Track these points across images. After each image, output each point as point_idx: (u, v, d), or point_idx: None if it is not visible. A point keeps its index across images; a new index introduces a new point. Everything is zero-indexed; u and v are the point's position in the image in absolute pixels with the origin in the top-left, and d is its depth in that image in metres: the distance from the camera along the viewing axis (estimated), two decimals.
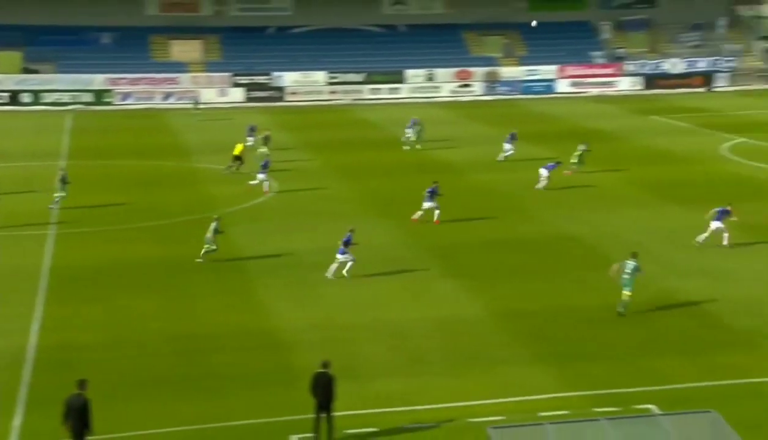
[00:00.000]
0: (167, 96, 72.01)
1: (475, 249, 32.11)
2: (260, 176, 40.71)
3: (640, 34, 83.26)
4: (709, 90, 77.76)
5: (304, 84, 74.69)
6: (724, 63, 79.59)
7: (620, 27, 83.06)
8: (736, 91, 76.70)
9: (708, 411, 17.50)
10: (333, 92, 74.58)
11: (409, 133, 52.40)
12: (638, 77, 78.53)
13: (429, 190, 35.47)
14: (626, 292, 25.24)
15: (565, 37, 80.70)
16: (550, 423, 17.28)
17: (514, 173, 44.57)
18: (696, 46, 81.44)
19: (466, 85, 76.76)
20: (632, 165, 45.79)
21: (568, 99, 74.35)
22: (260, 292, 27.90)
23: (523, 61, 79.01)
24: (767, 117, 62.09)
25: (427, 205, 35.12)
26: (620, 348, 23.43)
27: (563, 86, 77.54)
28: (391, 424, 19.70)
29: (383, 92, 75.04)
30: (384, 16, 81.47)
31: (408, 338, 24.31)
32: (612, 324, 25.08)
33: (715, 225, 31.68)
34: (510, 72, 77.80)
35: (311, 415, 18.92)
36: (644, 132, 55.98)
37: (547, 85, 77.43)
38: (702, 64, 79.46)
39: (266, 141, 48.69)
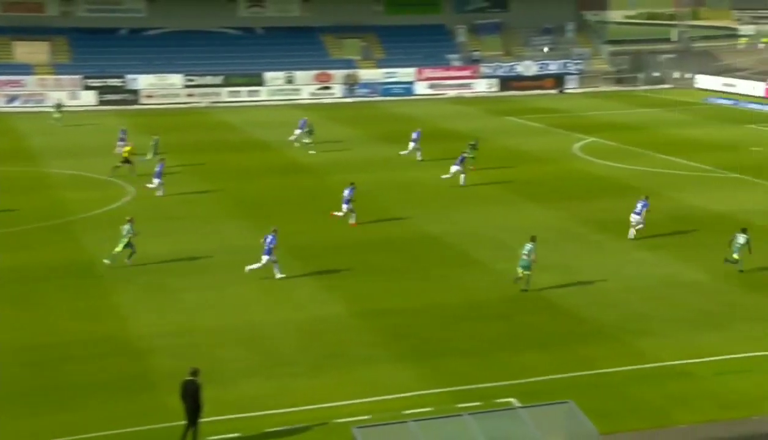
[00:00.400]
0: (12, 99, 68.94)
1: (337, 250, 32.03)
2: (156, 180, 40.14)
3: (494, 37, 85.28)
4: (560, 92, 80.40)
5: (159, 87, 72.92)
6: (574, 66, 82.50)
7: (475, 30, 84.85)
8: (585, 92, 79.59)
9: (565, 402, 17.96)
10: (190, 95, 73.14)
11: (300, 134, 52.14)
12: (493, 79, 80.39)
13: (348, 190, 35.29)
14: (521, 271, 27.16)
15: (422, 40, 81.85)
16: (414, 421, 17.33)
17: (374, 173, 44.79)
18: (547, 50, 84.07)
19: (326, 88, 76.72)
20: (490, 164, 46.76)
21: (426, 100, 75.36)
22: (116, 299, 26.97)
23: (381, 64, 79.61)
24: (614, 118, 64.73)
25: (345, 207, 35.12)
26: (481, 343, 23.80)
27: (422, 88, 78.57)
28: (255, 429, 19.34)
29: (242, 95, 74.14)
30: (240, 19, 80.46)
31: (269, 340, 23.98)
32: (473, 320, 25.46)
33: (635, 217, 32.59)
34: (369, 74, 78.25)
35: (173, 423, 18.36)
36: (501, 132, 57.33)
37: (406, 87, 78.28)
38: (553, 67, 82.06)
39: (155, 146, 47.58)
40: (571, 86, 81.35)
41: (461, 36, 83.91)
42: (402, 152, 48.37)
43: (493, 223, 35.51)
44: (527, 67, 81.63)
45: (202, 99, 72.96)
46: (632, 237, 32.74)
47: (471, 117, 65.48)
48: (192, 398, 18.28)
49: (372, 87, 77.60)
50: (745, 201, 38.49)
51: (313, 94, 75.99)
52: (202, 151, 51.28)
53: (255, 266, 28.44)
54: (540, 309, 26.27)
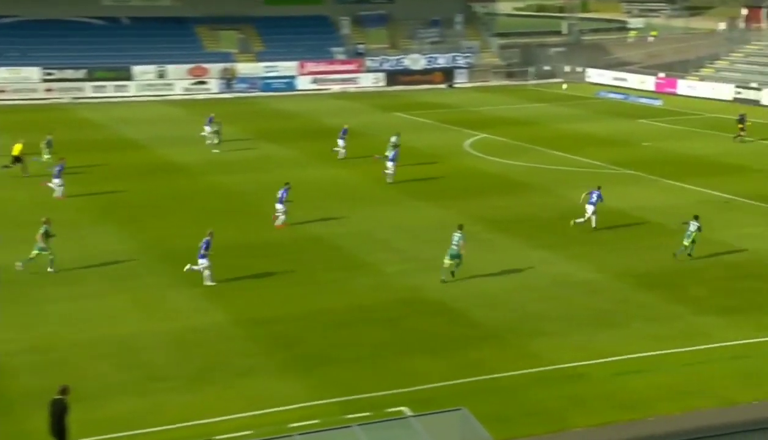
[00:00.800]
0: None
1: (217, 255, 31.55)
2: (56, 180, 39.38)
3: (380, 30, 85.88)
4: (449, 86, 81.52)
5: (13, 81, 70.59)
6: (463, 59, 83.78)
7: (359, 22, 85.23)
8: (474, 87, 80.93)
9: (458, 409, 18.12)
10: (49, 90, 71.11)
11: (208, 131, 51.33)
12: (380, 73, 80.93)
13: (280, 192, 35.14)
14: (448, 260, 28.44)
15: (304, 33, 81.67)
16: (300, 434, 17.19)
17: (253, 174, 44.45)
18: (435, 43, 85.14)
19: (201, 82, 75.73)
20: (377, 162, 46.99)
21: (309, 96, 75.26)
22: None
23: (260, 57, 79.10)
24: (505, 113, 66.00)
25: (280, 207, 35.03)
26: (370, 350, 23.83)
27: (304, 83, 78.41)
28: None
29: (108, 90, 72.50)
30: (104, 8, 78.54)
31: (143, 353, 23.43)
32: (362, 326, 25.48)
33: (590, 208, 34.00)
34: (248, 68, 77.64)
35: None
36: (388, 129, 57.66)
37: (288, 82, 78.00)
38: (442, 61, 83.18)
39: (49, 145, 46.11)
40: (461, 80, 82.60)
41: (345, 28, 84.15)
42: (335, 149, 48.28)
43: (383, 224, 35.66)
44: (415, 61, 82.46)
45: (62, 94, 70.95)
46: (594, 225, 34.25)
47: (357, 113, 65.69)
48: (57, 418, 17.69)
49: (251, 82, 77.01)
50: (638, 197, 39.76)
51: (187, 89, 74.91)
52: (65, 151, 49.80)
53: (194, 268, 28.47)
54: (431, 313, 26.49)
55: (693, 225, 30.92)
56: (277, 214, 35.11)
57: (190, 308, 26.70)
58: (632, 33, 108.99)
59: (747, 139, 53.48)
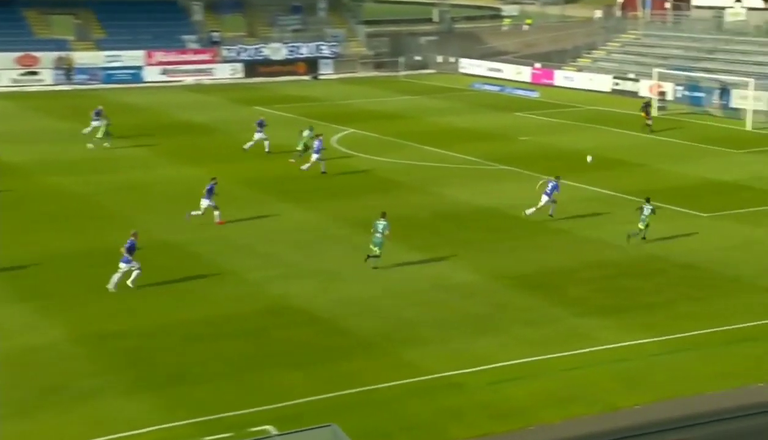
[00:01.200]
0: None
1: (51, 265, 30.70)
2: None
3: (236, 16, 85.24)
4: (314, 78, 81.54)
5: None
6: (328, 49, 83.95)
7: (213, 8, 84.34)
8: (341, 78, 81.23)
9: (327, 425, 18.09)
10: None
11: (95, 125, 50.12)
12: (237, 64, 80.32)
13: (207, 187, 35.67)
14: (375, 249, 30.48)
15: (151, 18, 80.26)
16: None
17: (93, 175, 43.48)
18: (297, 31, 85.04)
19: (31, 73, 73.61)
20: (238, 160, 46.60)
21: (159, 88, 74.07)
22: None
23: (101, 45, 77.35)
24: (375, 106, 66.48)
25: (205, 203, 35.38)
26: (231, 364, 23.58)
27: (153, 74, 77.13)
28: None
29: None
30: None
31: None
32: (221, 338, 25.19)
33: (545, 198, 35.85)
34: (87, 58, 75.81)
35: None
36: (248, 124, 57.27)
37: (134, 73, 76.59)
38: (305, 50, 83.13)
39: None
40: (326, 71, 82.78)
41: (197, 14, 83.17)
42: (248, 145, 48.34)
43: (244, 228, 35.37)
44: (275, 51, 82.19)
45: None
46: (551, 214, 36.28)
47: (212, 107, 65.08)
48: None
49: (91, 72, 75.28)
50: (515, 195, 40.60)
51: (15, 80, 72.85)
52: None
53: (116, 277, 28.55)
54: (297, 323, 26.41)
55: (647, 209, 33.30)
56: (194, 213, 35.34)
57: (23, 326, 25.87)
58: (506, 21, 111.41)
59: (654, 127, 55.71)
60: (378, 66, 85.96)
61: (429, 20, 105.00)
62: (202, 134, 54.18)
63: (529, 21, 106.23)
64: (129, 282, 28.57)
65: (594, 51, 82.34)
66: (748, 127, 57.42)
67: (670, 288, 29.29)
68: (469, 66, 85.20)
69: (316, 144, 44.35)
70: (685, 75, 66.80)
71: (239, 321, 26.37)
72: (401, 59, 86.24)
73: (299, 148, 46.81)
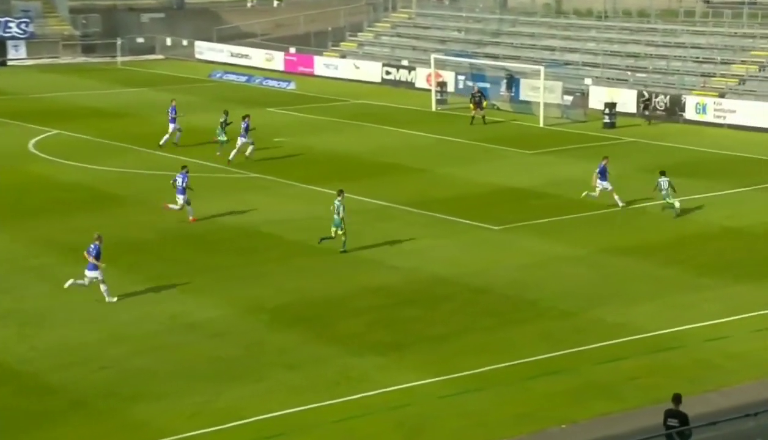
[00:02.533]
0: None
1: None
2: None
3: None
4: (1, 64, 79.47)
5: None
6: (17, 27, 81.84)
7: None
8: (38, 65, 79.48)
9: None
10: None
11: None
12: None
13: (180, 176, 38.85)
14: (334, 230, 34.89)
15: None
16: None
17: None
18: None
19: None
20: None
21: None
22: None
23: None
24: (86, 101, 65.49)
25: (181, 198, 38.70)
26: None
27: None
28: None
29: None
30: None
31: None
32: None
33: (602, 184, 41.08)
34: None
35: None
36: None
37: None
38: None
39: None
40: (17, 56, 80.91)
41: None
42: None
43: None
44: None
45: None
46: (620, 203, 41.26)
47: None
48: None
49: None
50: (268, 208, 40.86)
51: None
52: None
53: (79, 281, 30.48)
54: None
55: (664, 182, 39.33)
56: (172, 206, 38.55)
57: None
58: None
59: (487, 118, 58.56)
60: (88, 49, 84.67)
61: None
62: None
63: None
64: (104, 293, 30.51)
65: (360, 33, 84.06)
66: (540, 123, 59.79)
67: (458, 318, 30.25)
68: (207, 50, 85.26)
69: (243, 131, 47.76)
70: (467, 62, 69.16)
71: None
72: (119, 41, 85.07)
73: (220, 138, 49.22)
